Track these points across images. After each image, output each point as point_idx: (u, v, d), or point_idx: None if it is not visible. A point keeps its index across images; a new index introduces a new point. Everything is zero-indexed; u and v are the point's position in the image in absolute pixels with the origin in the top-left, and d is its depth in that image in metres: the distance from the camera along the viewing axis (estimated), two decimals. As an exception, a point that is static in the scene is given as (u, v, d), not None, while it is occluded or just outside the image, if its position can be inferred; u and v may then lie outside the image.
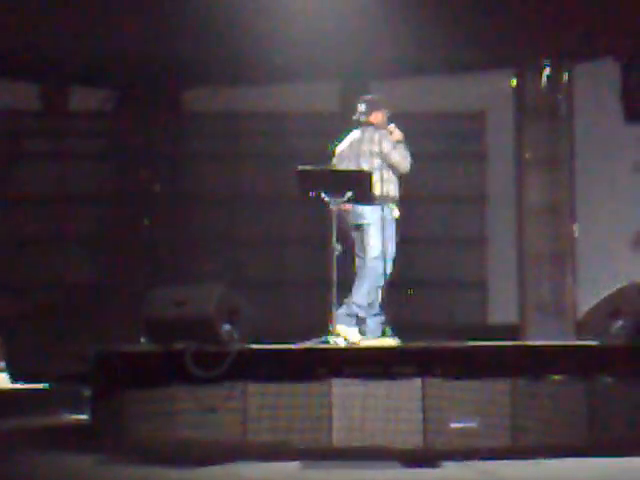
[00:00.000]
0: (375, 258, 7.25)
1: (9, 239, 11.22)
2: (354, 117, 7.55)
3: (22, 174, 11.42)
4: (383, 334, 7.16)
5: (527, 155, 10.84)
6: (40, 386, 9.16)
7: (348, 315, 7.19)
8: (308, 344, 6.78)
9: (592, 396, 6.08)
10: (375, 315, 7.29)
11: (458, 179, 11.49)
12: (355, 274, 7.41)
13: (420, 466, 5.77)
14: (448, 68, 10.81)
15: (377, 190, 7.23)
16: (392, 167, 7.37)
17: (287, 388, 6.06)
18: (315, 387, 6.05)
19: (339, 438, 6.00)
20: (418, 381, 6.02)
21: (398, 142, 7.40)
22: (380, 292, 7.30)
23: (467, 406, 6.02)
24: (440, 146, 11.23)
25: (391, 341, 7.04)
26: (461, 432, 5.97)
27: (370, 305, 7.26)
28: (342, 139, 7.60)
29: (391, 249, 7.35)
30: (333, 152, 7.62)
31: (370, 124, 7.45)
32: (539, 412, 6.04)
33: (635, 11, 9.80)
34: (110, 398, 6.55)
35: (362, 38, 10.13)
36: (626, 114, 10.81)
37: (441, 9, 9.87)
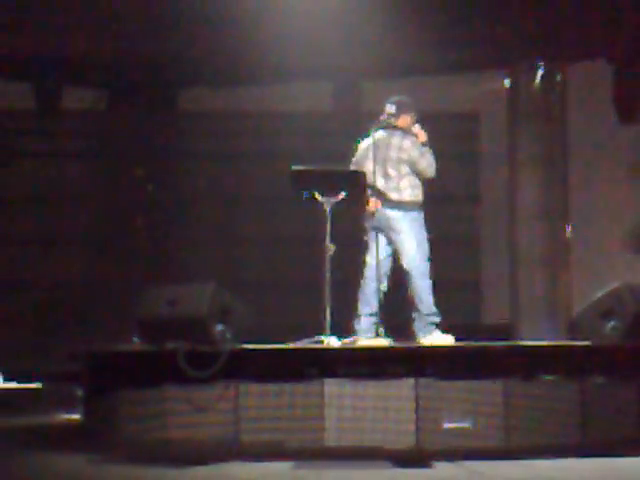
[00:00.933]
0: (418, 262, 7.24)
1: (1, 238, 11.20)
2: (381, 118, 7.44)
3: (15, 173, 11.39)
4: (377, 334, 7.15)
5: (521, 156, 10.85)
6: (32, 385, 9.15)
7: (430, 324, 7.18)
8: (301, 344, 6.78)
9: (585, 396, 6.09)
10: (370, 315, 7.28)
11: (451, 180, 11.49)
12: (387, 277, 7.37)
13: (413, 466, 5.77)
14: (441, 69, 10.82)
15: (407, 196, 7.25)
16: (418, 173, 7.36)
17: (280, 388, 6.06)
18: (308, 387, 6.04)
19: (331, 438, 6.00)
20: (411, 381, 6.02)
21: (423, 145, 7.39)
22: (380, 293, 7.28)
23: (460, 406, 6.02)
24: (433, 147, 11.23)
25: (384, 341, 7.04)
26: (454, 432, 5.97)
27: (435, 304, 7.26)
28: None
29: (427, 250, 7.33)
30: (355, 149, 7.56)
31: (398, 128, 7.40)
32: (532, 412, 6.05)
33: (628, 12, 9.82)
34: (103, 397, 6.54)
35: (355, 38, 10.15)
36: (620, 115, 10.83)
37: (434, 10, 9.88)
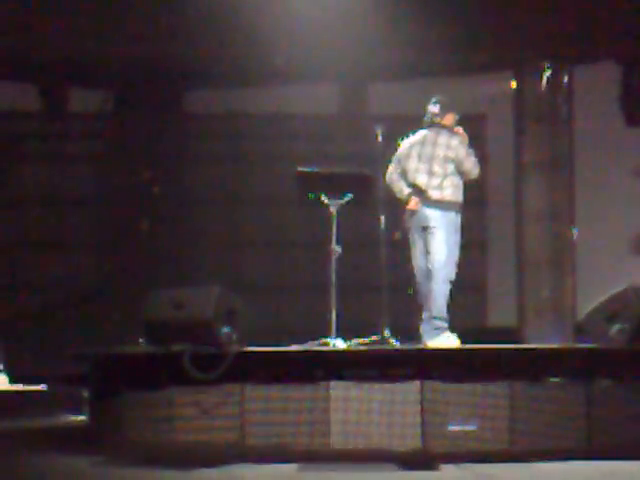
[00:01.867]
0: (443, 264, 7.22)
1: (8, 240, 11.22)
2: (425, 118, 7.44)
3: (22, 175, 11.41)
4: (383, 336, 7.14)
5: (527, 158, 10.84)
6: (38, 387, 9.15)
7: (435, 329, 7.16)
8: (306, 346, 6.77)
9: (590, 399, 6.08)
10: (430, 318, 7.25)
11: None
12: (413, 277, 7.37)
13: (418, 469, 5.77)
14: (448, 70, 10.81)
15: (448, 196, 7.24)
16: (463, 173, 7.34)
17: (285, 390, 6.05)
18: (313, 389, 6.04)
19: (337, 441, 6.00)
20: (417, 384, 6.01)
21: (467, 145, 7.40)
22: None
23: (465, 409, 6.01)
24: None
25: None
26: (459, 435, 5.96)
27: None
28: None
29: (457, 254, 7.31)
30: (397, 146, 7.53)
31: (444, 127, 7.40)
32: (537, 415, 6.04)
33: (636, 14, 9.80)
34: (108, 400, 6.54)
35: (362, 40, 10.14)
36: (627, 117, 10.81)
37: (441, 12, 9.87)
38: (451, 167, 7.26)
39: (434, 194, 7.22)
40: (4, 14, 9.78)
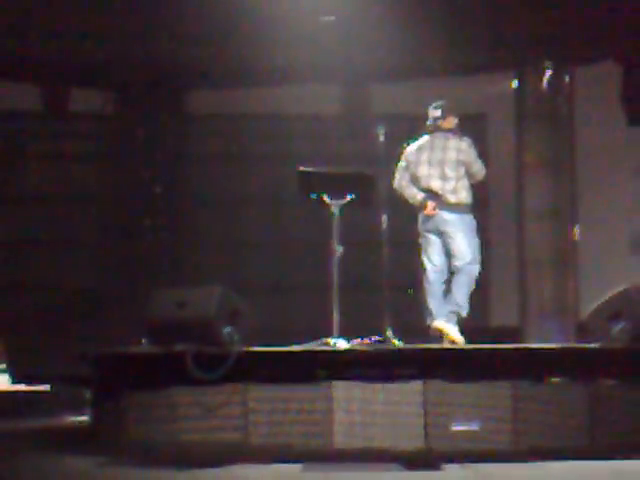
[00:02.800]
0: (469, 263, 7.30)
1: (10, 240, 11.22)
2: (429, 123, 7.51)
3: (23, 175, 11.41)
4: (384, 336, 7.15)
5: (528, 157, 10.84)
6: (41, 388, 9.15)
7: (451, 312, 7.24)
8: (309, 346, 6.77)
9: (593, 399, 6.07)
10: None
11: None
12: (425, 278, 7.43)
13: (421, 469, 5.76)
14: (449, 70, 10.81)
15: (464, 199, 7.33)
16: (471, 176, 7.39)
17: (288, 390, 6.05)
18: (316, 389, 6.04)
19: (340, 440, 5.99)
20: (419, 383, 6.01)
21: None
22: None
23: (468, 409, 6.01)
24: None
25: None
26: (462, 435, 5.96)
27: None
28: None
29: (478, 254, 7.41)
30: (400, 153, 7.57)
31: (448, 130, 7.43)
32: (540, 415, 6.03)
33: (636, 13, 9.80)
34: (111, 400, 6.54)
35: (363, 41, 10.14)
36: (628, 117, 10.81)
37: (442, 11, 9.87)
38: (462, 170, 7.33)
39: (451, 198, 7.30)
40: (5, 14, 9.78)
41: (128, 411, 6.38)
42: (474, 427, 5.99)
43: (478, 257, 7.44)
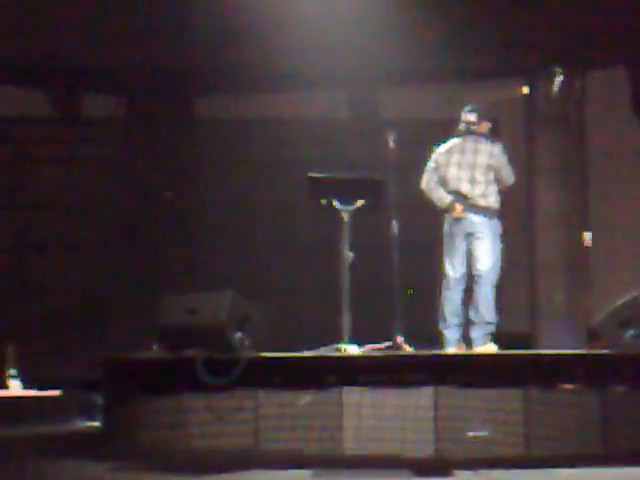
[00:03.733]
0: (491, 269, 7.28)
1: (21, 246, 11.24)
2: (460, 127, 7.48)
3: (33, 180, 11.43)
4: (396, 342, 7.14)
5: (539, 163, 10.81)
6: (52, 393, 9.16)
7: (486, 334, 7.21)
8: (320, 352, 6.77)
9: (605, 405, 6.05)
10: (458, 326, 7.29)
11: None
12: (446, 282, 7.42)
13: (432, 475, 5.75)
14: (459, 76, 10.80)
15: (492, 203, 7.32)
16: (500, 181, 7.38)
17: (299, 396, 6.04)
18: (327, 395, 6.03)
19: (350, 446, 5.99)
20: (430, 389, 6.00)
21: None
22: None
23: (479, 415, 5.99)
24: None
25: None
26: (473, 441, 5.94)
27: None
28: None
29: (500, 260, 7.41)
30: (428, 155, 7.53)
31: (480, 135, 7.41)
32: (552, 421, 6.02)
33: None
34: (122, 405, 6.55)
35: (372, 45, 10.14)
36: (640, 121, 10.79)
37: (452, 16, 9.86)
38: (492, 175, 7.31)
39: (480, 202, 7.28)
40: (16, 20, 9.81)
41: (139, 417, 6.39)
42: (485, 433, 5.97)
43: (499, 263, 7.39)
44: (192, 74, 10.97)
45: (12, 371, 9.80)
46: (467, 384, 6.02)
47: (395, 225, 7.38)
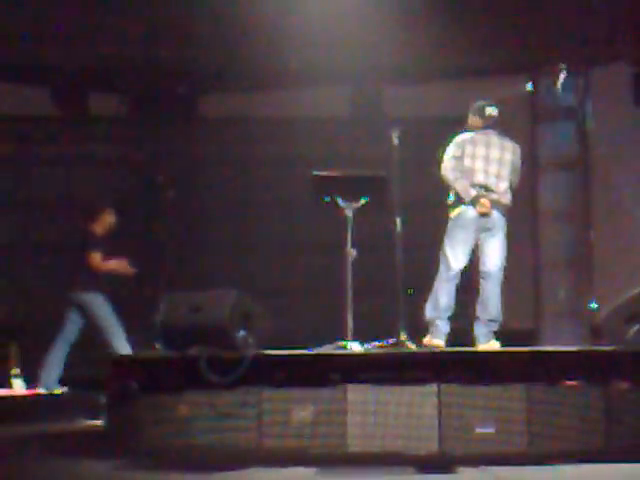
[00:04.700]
0: (500, 266, 7.26)
1: (23, 245, 11.25)
2: (482, 120, 7.36)
3: (37, 179, 11.43)
4: (398, 338, 7.13)
5: (543, 160, 10.81)
6: (55, 392, 9.16)
7: (490, 331, 7.18)
8: (323, 350, 6.77)
9: (609, 402, 6.04)
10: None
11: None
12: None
13: (436, 472, 5.75)
14: (463, 73, 10.79)
15: (505, 199, 7.27)
16: (511, 177, 7.35)
17: (302, 394, 6.04)
18: (330, 393, 6.03)
19: (354, 444, 5.98)
20: (434, 386, 6.00)
21: None
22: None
23: (483, 412, 5.99)
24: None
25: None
26: (477, 438, 5.94)
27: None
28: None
29: (505, 259, 7.38)
30: (447, 143, 7.39)
31: (498, 130, 7.37)
32: (555, 418, 6.01)
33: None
34: (125, 404, 6.55)
35: (377, 43, 10.13)
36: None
37: (455, 14, 9.86)
38: (507, 170, 7.25)
39: (503, 199, 7.22)
40: (21, 19, 9.82)
41: (143, 415, 6.38)
42: (489, 430, 5.97)
43: (505, 262, 7.35)
44: (195, 72, 10.97)
45: (15, 370, 9.80)
46: (471, 381, 6.01)
47: (398, 222, 7.37)
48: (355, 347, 6.83)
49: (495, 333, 7.26)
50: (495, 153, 7.25)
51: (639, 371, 6.13)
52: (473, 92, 10.50)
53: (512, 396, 6.01)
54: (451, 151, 7.33)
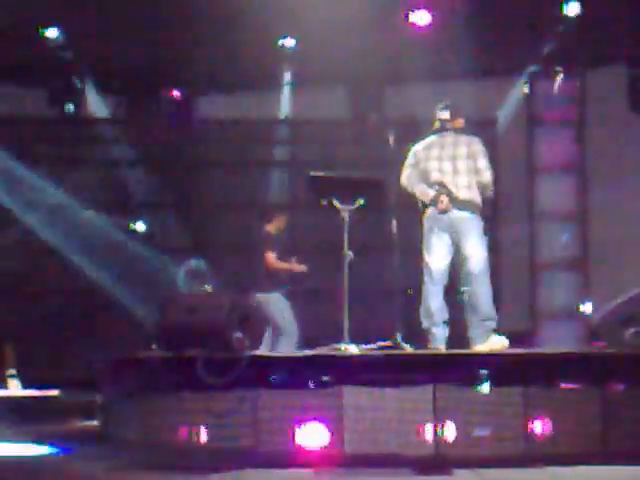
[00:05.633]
0: (483, 264, 7.17)
1: (19, 246, 11.23)
2: (436, 125, 7.35)
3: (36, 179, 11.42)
4: (394, 341, 7.12)
5: (539, 161, 10.83)
6: (51, 393, 9.16)
7: (486, 331, 7.13)
8: (319, 351, 6.76)
9: (605, 403, 6.04)
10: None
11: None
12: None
13: (432, 474, 5.74)
14: (460, 75, 10.79)
15: (476, 197, 7.17)
16: (477, 171, 7.21)
17: (298, 395, 6.04)
18: (327, 394, 6.02)
19: (350, 445, 5.98)
20: (429, 388, 5.99)
21: None
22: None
23: (479, 414, 5.98)
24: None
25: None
26: (473, 440, 5.94)
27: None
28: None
29: (487, 257, 7.29)
30: (407, 152, 7.40)
31: (457, 130, 7.30)
32: (552, 420, 6.01)
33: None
34: (121, 404, 6.55)
35: (374, 45, 10.14)
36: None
37: (453, 15, 9.86)
38: (472, 164, 7.17)
39: (463, 194, 7.13)
40: (16, 20, 9.82)
41: (138, 416, 6.38)
42: (485, 432, 5.97)
43: (487, 257, 7.29)
44: (192, 74, 10.97)
45: (11, 371, 9.80)
46: (466, 383, 6.01)
47: (395, 224, 7.35)
48: (351, 349, 6.82)
49: (494, 331, 7.19)
50: (448, 151, 7.23)
51: (636, 373, 6.13)
52: (470, 93, 10.55)
53: (508, 398, 6.01)
54: (407, 161, 7.38)
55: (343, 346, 6.80)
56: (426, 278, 7.24)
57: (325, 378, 6.01)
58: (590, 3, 9.88)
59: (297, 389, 6.05)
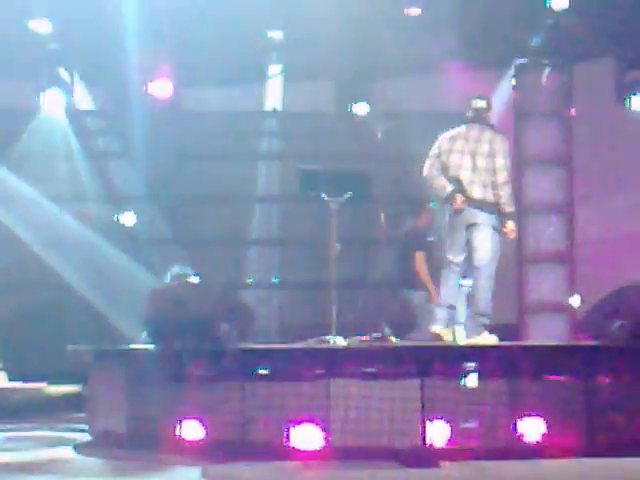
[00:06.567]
0: (488, 260, 7.17)
1: (5, 238, 11.20)
2: (469, 113, 7.29)
3: (24, 173, 11.38)
4: (383, 333, 7.14)
5: (527, 155, 10.84)
6: (38, 385, 9.15)
7: (479, 326, 7.13)
8: (307, 343, 6.78)
9: (591, 396, 6.07)
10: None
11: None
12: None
13: (419, 466, 5.76)
14: (448, 68, 10.80)
15: (490, 196, 7.16)
16: (495, 170, 7.18)
17: (286, 387, 6.05)
18: (314, 387, 6.04)
19: (338, 438, 5.99)
20: (417, 381, 6.01)
21: None
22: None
23: (466, 406, 6.01)
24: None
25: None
26: (460, 432, 5.96)
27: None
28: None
29: (498, 252, 7.30)
30: (433, 141, 7.36)
31: (487, 123, 7.27)
32: (538, 412, 6.03)
33: (634, 10, 9.82)
34: (109, 396, 6.55)
35: (362, 38, 10.13)
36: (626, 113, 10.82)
37: (441, 9, 9.86)
38: (492, 163, 7.17)
39: (477, 193, 7.14)
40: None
41: (126, 408, 6.38)
42: (472, 424, 5.99)
43: (497, 255, 7.33)
44: (179, 66, 10.94)
45: (-4, 364, 9.79)
46: (453, 375, 6.03)
47: (383, 217, 7.37)
48: (339, 341, 6.84)
49: (486, 327, 7.20)
50: (471, 145, 7.21)
51: (621, 366, 6.16)
52: (457, 87, 10.56)
53: (495, 390, 6.03)
54: (431, 151, 7.37)
55: (331, 338, 6.82)
56: (445, 266, 7.29)
57: (314, 370, 6.03)
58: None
59: (285, 381, 6.06)
